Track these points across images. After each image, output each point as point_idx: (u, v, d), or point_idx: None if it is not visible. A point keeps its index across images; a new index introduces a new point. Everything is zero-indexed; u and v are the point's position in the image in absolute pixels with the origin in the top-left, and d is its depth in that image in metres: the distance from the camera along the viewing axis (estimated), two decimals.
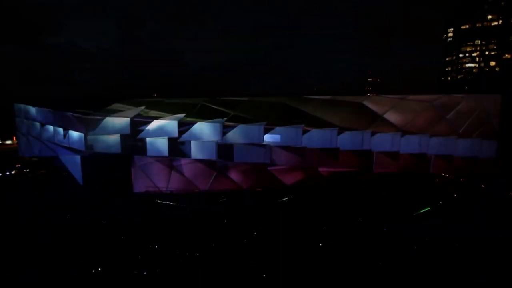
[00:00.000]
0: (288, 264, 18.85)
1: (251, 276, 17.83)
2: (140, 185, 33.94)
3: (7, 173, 43.10)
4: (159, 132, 32.77)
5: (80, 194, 33.35)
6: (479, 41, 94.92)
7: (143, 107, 34.10)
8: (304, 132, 32.48)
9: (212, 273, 18.10)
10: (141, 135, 32.91)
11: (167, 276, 17.89)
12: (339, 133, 32.42)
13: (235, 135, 32.45)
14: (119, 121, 33.34)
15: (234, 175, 34.42)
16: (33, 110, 37.98)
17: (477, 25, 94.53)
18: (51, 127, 36.72)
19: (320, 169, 33.76)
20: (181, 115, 32.86)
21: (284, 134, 32.51)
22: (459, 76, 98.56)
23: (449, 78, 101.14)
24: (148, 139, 32.93)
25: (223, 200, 31.42)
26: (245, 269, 18.40)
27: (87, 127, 33.71)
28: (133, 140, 33.05)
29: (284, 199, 31.46)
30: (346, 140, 32.68)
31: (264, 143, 32.37)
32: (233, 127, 32.53)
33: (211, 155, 32.60)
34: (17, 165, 44.48)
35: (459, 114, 32.72)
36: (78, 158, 35.68)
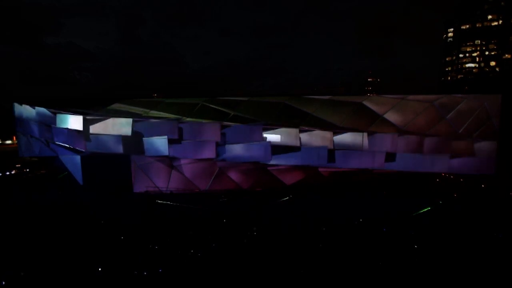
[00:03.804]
0: (288, 264, 18.84)
1: (252, 276, 17.81)
2: (140, 185, 33.94)
3: (7, 173, 43.10)
4: (158, 132, 32.80)
5: (80, 194, 33.34)
6: (479, 41, 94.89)
7: (143, 107, 34.16)
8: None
9: (212, 273, 18.09)
10: (140, 135, 32.95)
11: (168, 276, 17.88)
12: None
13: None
14: (119, 121, 33.37)
15: (234, 175, 34.42)
16: (33, 110, 37.98)
17: (477, 25, 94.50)
18: (50, 127, 36.74)
19: (320, 169, 33.76)
20: (181, 116, 32.97)
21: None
22: (459, 76, 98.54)
23: (449, 78, 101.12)
24: (147, 139, 32.96)
25: (223, 200, 31.42)
26: (245, 269, 18.38)
27: (87, 127, 33.84)
28: (133, 140, 33.09)
29: (284, 199, 31.46)
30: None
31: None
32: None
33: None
34: (17, 165, 44.50)
35: (459, 114, 32.71)
36: (78, 158, 35.67)
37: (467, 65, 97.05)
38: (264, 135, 32.87)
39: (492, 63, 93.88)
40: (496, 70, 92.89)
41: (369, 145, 32.78)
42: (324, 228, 23.86)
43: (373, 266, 18.57)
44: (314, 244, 21.29)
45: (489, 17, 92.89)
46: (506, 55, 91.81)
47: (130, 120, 32.96)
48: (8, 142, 67.80)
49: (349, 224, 24.59)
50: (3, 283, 17.33)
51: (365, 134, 32.66)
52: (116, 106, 34.56)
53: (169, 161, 33.65)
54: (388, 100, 33.16)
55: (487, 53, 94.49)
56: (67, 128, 34.71)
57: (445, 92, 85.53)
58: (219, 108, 33.28)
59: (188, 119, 33.01)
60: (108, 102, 34.69)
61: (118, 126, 33.31)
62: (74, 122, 34.46)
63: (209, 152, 33.02)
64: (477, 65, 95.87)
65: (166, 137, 32.52)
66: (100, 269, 18.23)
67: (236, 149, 32.86)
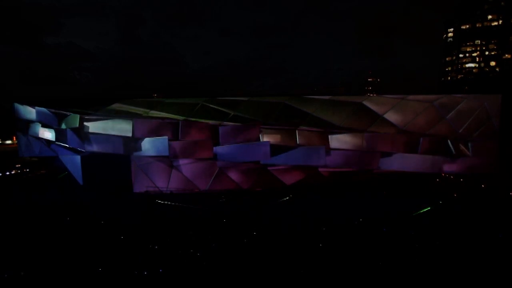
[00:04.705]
0: (288, 264, 18.85)
1: (252, 276, 17.82)
2: (140, 185, 33.93)
3: (7, 173, 43.08)
4: (158, 132, 32.82)
5: (80, 194, 33.33)
6: (479, 41, 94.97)
7: (143, 107, 34.18)
8: None
9: (212, 273, 18.10)
10: (140, 135, 32.96)
11: (168, 276, 17.88)
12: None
13: None
14: (119, 121, 33.38)
15: (234, 175, 34.41)
16: (33, 110, 37.99)
17: (477, 25, 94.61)
18: (50, 127, 36.81)
19: (320, 169, 33.77)
20: (181, 116, 33.02)
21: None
22: (459, 76, 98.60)
23: (449, 78, 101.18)
24: (147, 139, 32.97)
25: (223, 200, 31.41)
26: (246, 269, 18.38)
27: (87, 127, 33.86)
28: (133, 140, 33.11)
29: (284, 199, 31.45)
30: None
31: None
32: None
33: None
34: (17, 165, 44.47)
35: (459, 114, 32.73)
36: (78, 158, 35.68)
37: (467, 65, 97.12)
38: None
39: (492, 63, 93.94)
40: (496, 70, 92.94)
41: (369, 145, 32.83)
42: (324, 228, 23.85)
43: (373, 266, 18.57)
44: (314, 244, 21.29)
45: (489, 17, 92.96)
46: (506, 55, 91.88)
47: (130, 120, 32.96)
48: (8, 142, 67.76)
49: (349, 224, 24.57)
50: (6, 275, 17.36)
51: (365, 134, 32.71)
52: (116, 106, 34.56)
53: (169, 161, 33.65)
54: (388, 100, 33.18)
55: (487, 53, 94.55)
56: (67, 129, 34.75)
57: (445, 92, 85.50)
58: (219, 108, 33.28)
59: (192, 119, 33.06)
60: (108, 102, 34.70)
61: (118, 126, 33.33)
62: (74, 122, 34.50)
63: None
64: (477, 65, 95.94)
65: (166, 137, 32.52)
66: (100, 269, 18.23)
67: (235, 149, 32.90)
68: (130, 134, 32.84)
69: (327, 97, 33.74)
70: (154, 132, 32.92)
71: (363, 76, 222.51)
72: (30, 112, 38.40)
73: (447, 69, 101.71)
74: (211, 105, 33.40)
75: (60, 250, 20.59)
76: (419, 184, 34.00)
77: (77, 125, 33.94)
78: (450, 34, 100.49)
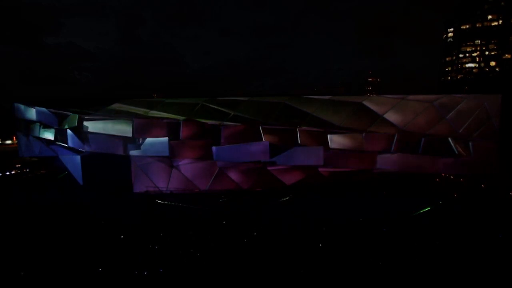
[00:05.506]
0: (288, 264, 18.85)
1: (252, 276, 17.82)
2: (140, 185, 33.92)
3: (7, 173, 43.08)
4: (158, 132, 32.81)
5: (80, 194, 33.33)
6: (479, 41, 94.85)
7: (143, 107, 34.17)
8: None
9: (212, 273, 18.10)
10: (140, 135, 32.96)
11: (168, 277, 17.89)
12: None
13: None
14: (119, 121, 33.38)
15: (234, 175, 34.41)
16: (33, 110, 37.99)
17: (477, 25, 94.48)
18: (51, 127, 36.81)
19: (320, 169, 33.76)
20: (181, 116, 32.99)
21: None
22: (459, 76, 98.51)
23: (449, 78, 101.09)
24: (147, 139, 32.96)
25: (223, 200, 31.41)
26: (246, 269, 18.38)
27: (87, 127, 33.86)
28: (133, 140, 33.11)
29: (284, 199, 31.45)
30: None
31: None
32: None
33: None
34: (17, 165, 44.48)
35: (459, 114, 32.72)
36: (78, 158, 35.68)
37: (467, 65, 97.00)
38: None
39: (492, 63, 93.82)
40: (496, 70, 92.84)
41: (369, 145, 32.82)
42: (324, 228, 23.86)
43: (373, 266, 18.57)
44: (314, 244, 21.29)
45: (489, 17, 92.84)
46: (506, 55, 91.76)
47: (130, 120, 32.97)
48: (8, 142, 67.74)
49: (349, 224, 24.58)
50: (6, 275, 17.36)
51: (365, 134, 32.72)
52: (116, 106, 34.56)
53: (169, 161, 33.64)
54: (388, 100, 33.18)
55: (487, 53, 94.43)
56: (67, 129, 34.76)
57: (445, 92, 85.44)
58: (219, 108, 33.28)
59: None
60: (108, 102, 34.72)
61: (118, 126, 33.34)
62: (74, 122, 34.52)
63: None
64: (477, 65, 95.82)
65: (166, 138, 32.51)
66: (100, 269, 18.24)
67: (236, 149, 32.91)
68: (130, 134, 32.87)
69: (327, 97, 33.74)
70: (154, 132, 32.94)
71: (363, 76, 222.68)
72: (30, 112, 38.41)
73: (447, 69, 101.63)
74: (211, 105, 33.40)
75: (60, 250, 20.60)
76: (419, 184, 33.99)
77: (77, 125, 33.98)
78: (450, 34, 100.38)
